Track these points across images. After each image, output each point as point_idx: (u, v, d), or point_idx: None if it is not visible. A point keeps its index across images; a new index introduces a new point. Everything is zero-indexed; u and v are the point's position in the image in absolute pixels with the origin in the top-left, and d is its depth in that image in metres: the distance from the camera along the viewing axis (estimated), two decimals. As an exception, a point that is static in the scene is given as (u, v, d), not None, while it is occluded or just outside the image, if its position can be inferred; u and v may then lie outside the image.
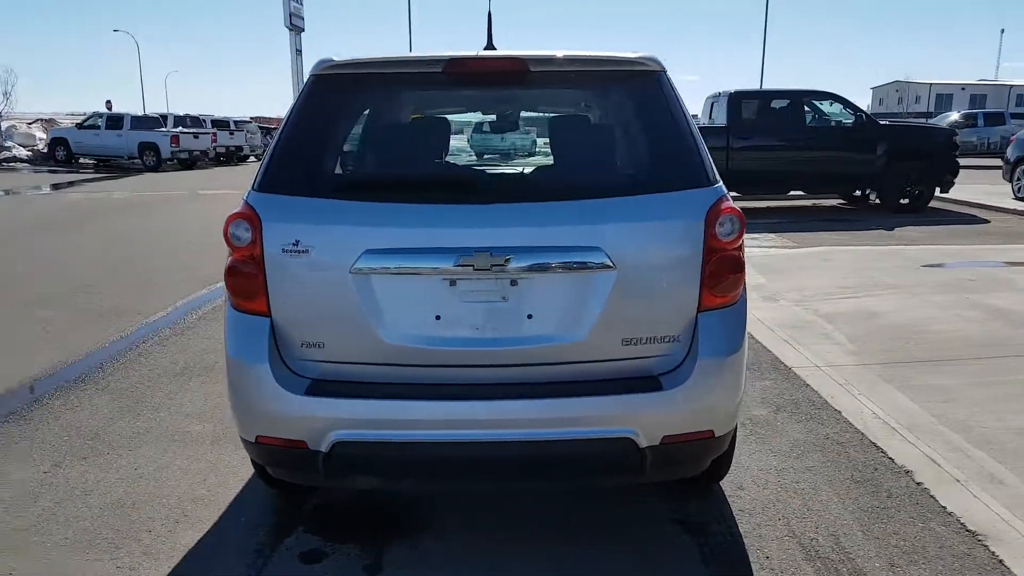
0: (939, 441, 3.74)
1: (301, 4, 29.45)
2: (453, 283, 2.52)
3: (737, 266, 2.62)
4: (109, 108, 43.87)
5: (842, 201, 14.59)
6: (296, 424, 2.53)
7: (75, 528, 3.06)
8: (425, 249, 2.49)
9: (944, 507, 3.14)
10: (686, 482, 3.20)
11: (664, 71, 2.81)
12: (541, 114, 4.91)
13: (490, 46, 3.02)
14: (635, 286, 2.58)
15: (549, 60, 2.74)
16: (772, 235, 10.57)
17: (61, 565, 2.82)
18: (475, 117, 9.11)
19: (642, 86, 2.81)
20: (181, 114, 32.15)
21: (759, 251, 9.18)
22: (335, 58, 2.81)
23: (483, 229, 2.49)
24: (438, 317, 2.54)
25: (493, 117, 5.88)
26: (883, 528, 3.01)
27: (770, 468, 3.52)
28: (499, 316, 2.55)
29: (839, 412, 4.14)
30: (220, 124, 32.56)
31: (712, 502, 3.22)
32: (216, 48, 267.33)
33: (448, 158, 4.02)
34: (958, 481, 3.34)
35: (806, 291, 6.92)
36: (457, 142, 11.29)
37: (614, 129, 3.07)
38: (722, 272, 2.59)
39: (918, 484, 3.33)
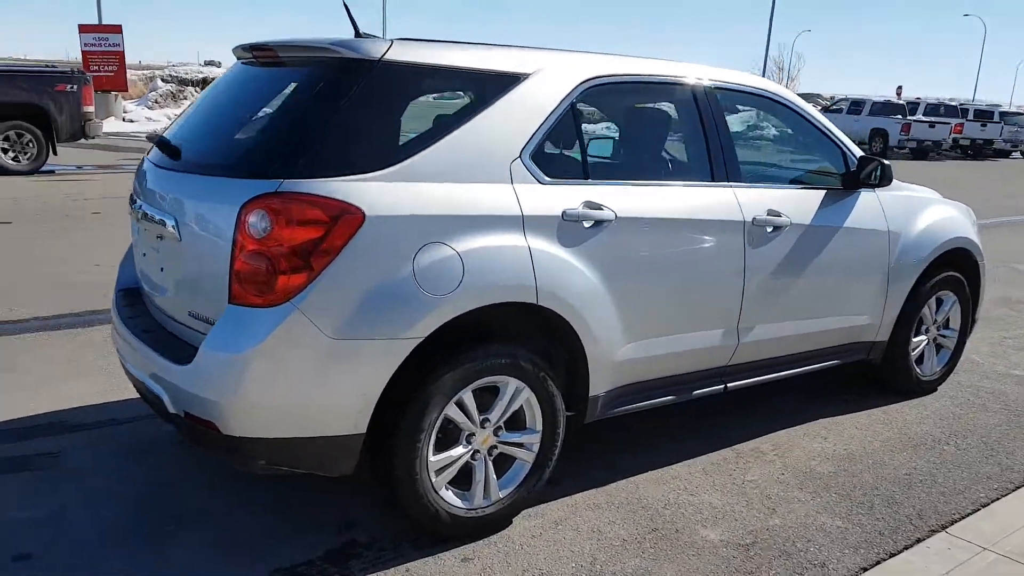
0: None
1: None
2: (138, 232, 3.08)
3: (267, 266, 2.41)
4: (899, 95, 44.02)
5: None
6: None
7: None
8: (134, 201, 3.10)
9: None
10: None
11: (338, 58, 2.63)
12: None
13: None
14: (190, 261, 2.67)
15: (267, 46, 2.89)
16: None
17: None
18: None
19: (311, 72, 2.71)
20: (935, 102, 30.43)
21: None
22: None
23: (168, 190, 2.90)
24: (144, 254, 3.12)
25: None
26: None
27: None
28: (153, 266, 2.99)
29: None
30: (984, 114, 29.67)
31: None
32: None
33: None
34: None
35: None
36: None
37: (286, 113, 2.88)
38: (248, 269, 2.44)
39: None
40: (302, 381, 2.42)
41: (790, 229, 3.54)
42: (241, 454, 2.51)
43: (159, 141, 2.98)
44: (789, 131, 4.13)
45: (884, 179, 3.95)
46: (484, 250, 2.64)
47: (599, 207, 2.94)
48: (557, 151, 3.08)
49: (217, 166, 2.68)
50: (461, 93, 2.98)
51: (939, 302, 4.43)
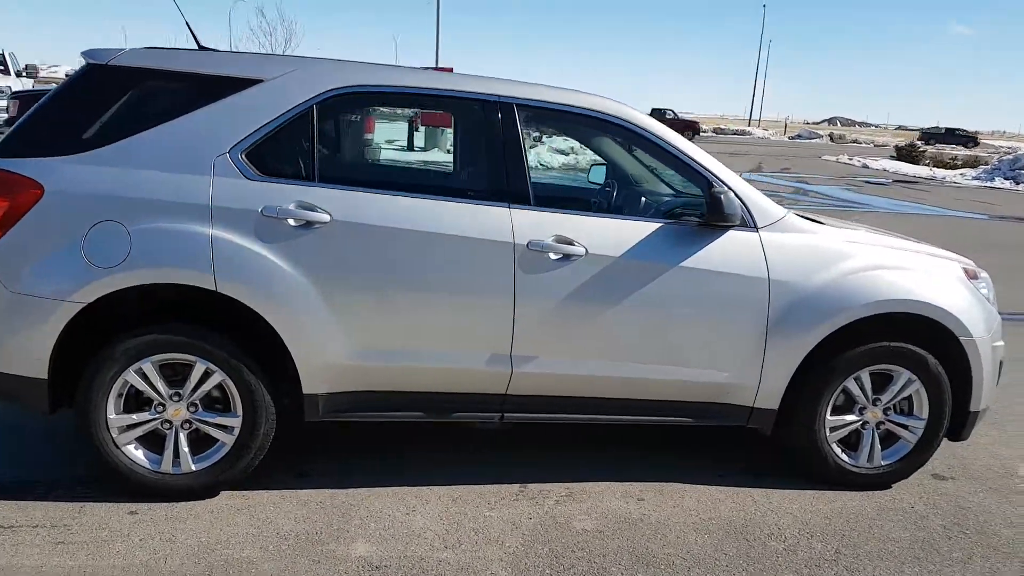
0: None
1: None
2: None
3: None
4: None
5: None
6: None
7: None
8: None
9: None
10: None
11: (86, 63, 3.11)
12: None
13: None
14: None
15: None
16: None
17: None
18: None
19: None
20: None
21: None
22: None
23: None
24: None
25: None
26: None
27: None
28: None
29: None
30: None
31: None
32: None
33: None
34: None
35: None
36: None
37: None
38: None
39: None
40: None
41: (588, 260, 3.19)
42: None
43: None
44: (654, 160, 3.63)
45: (760, 218, 3.34)
46: (156, 231, 2.91)
47: (313, 208, 3.02)
48: (291, 152, 3.17)
49: None
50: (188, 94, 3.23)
51: (885, 379, 3.52)
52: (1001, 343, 3.70)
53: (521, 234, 3.16)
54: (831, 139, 59.93)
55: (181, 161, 3.00)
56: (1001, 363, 3.71)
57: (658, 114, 46.94)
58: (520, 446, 3.88)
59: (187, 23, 3.60)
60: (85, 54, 3.13)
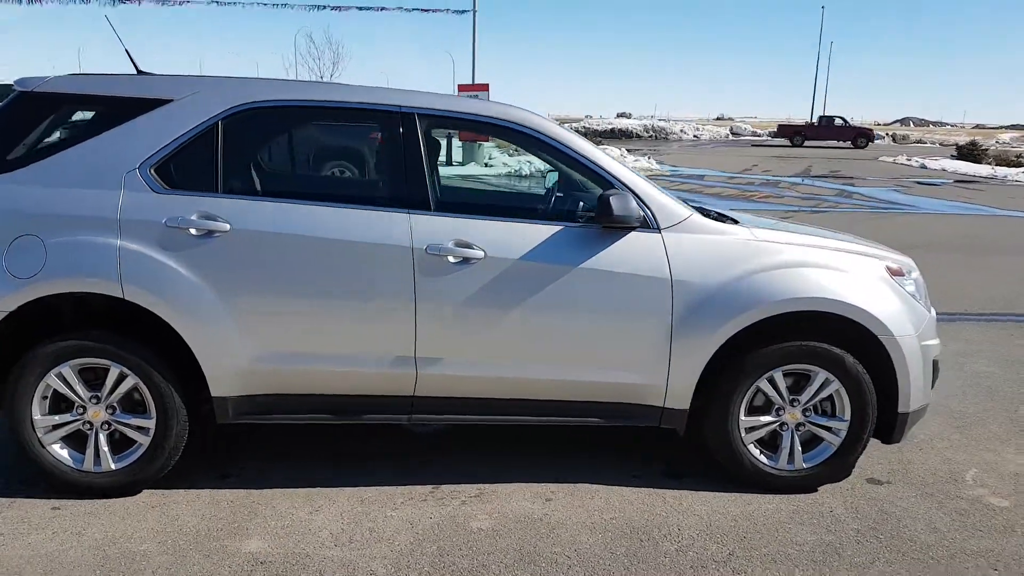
0: None
1: None
2: None
3: None
4: None
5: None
6: None
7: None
8: None
9: None
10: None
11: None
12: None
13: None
14: None
15: None
16: None
17: None
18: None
19: None
20: None
21: None
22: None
23: None
24: None
25: None
26: None
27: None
28: None
29: None
30: None
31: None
32: None
33: None
34: None
35: None
36: None
37: None
38: None
39: None
40: None
41: (487, 263, 3.26)
42: None
43: None
44: (563, 164, 3.65)
45: (663, 219, 3.35)
46: (69, 244, 3.11)
47: (213, 218, 3.17)
48: (197, 166, 3.31)
49: None
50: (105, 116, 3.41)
51: (804, 379, 3.47)
52: (933, 342, 3.60)
53: (420, 239, 3.24)
54: (893, 140, 57.92)
55: (95, 178, 3.19)
56: (935, 363, 3.61)
57: (827, 121, 44.25)
58: (443, 448, 3.95)
59: (127, 50, 3.81)
60: (17, 83, 3.36)
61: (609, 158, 3.47)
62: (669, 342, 3.34)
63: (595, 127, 49.31)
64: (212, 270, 3.18)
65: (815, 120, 46.94)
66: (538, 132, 3.44)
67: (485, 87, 23.37)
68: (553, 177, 4.48)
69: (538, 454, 3.84)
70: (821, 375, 3.43)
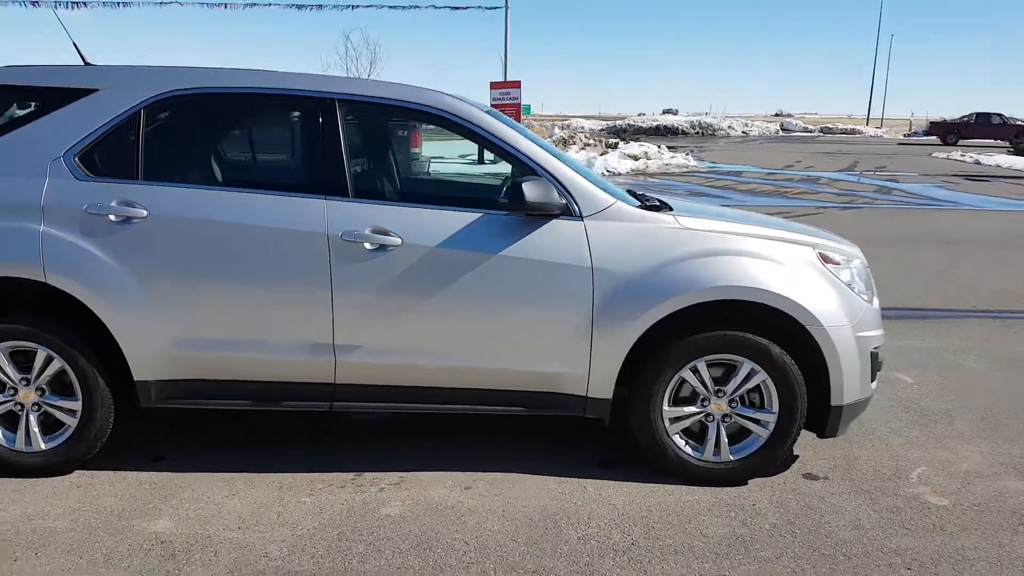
0: None
1: None
2: None
3: None
4: None
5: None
6: None
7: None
8: None
9: None
10: None
11: None
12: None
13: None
14: None
15: None
16: None
17: None
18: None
19: None
20: None
21: None
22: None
23: None
24: None
25: None
26: None
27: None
28: None
29: None
30: None
31: None
32: None
33: None
34: None
35: None
36: None
37: None
38: None
39: None
40: None
41: (404, 249, 3.26)
42: None
43: None
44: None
45: (585, 207, 3.30)
46: None
47: (132, 205, 3.25)
48: (119, 153, 3.38)
49: None
50: (37, 105, 3.51)
51: (731, 369, 3.38)
52: (873, 333, 3.47)
53: (335, 225, 3.26)
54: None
55: (22, 166, 3.29)
56: (875, 355, 3.48)
57: (984, 118, 39.62)
58: (377, 436, 3.97)
59: (74, 44, 3.89)
60: None
61: (530, 143, 3.44)
62: (591, 331, 3.29)
63: (640, 124, 48.80)
64: (131, 256, 3.25)
65: (970, 117, 41.39)
66: (453, 115, 3.42)
67: (517, 84, 23.37)
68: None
69: (472, 443, 3.83)
70: (746, 365, 3.34)
